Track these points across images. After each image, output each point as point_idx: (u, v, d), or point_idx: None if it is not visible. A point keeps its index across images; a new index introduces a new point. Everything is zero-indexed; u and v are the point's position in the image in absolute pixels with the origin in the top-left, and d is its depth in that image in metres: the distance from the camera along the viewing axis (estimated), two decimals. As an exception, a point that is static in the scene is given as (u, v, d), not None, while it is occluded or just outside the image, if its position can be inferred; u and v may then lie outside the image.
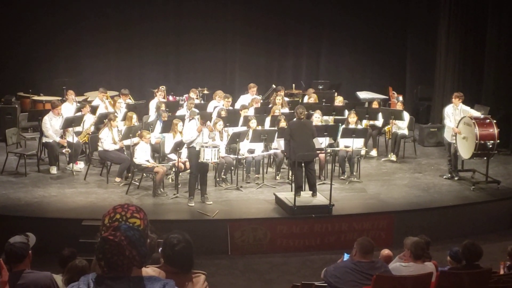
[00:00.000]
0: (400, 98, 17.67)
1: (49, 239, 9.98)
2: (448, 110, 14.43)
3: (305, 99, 17.25)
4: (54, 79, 18.85)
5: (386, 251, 8.58)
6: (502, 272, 8.61)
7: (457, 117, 14.14)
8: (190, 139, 12.44)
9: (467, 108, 14.46)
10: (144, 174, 13.40)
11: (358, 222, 12.39)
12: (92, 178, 14.00)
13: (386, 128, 16.09)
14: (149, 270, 4.43)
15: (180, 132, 13.33)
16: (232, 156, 13.83)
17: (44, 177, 13.95)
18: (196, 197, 12.63)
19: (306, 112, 13.06)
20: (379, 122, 16.19)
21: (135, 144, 13.49)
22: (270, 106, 15.94)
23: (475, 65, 17.71)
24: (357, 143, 14.24)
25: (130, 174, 13.66)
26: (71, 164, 14.30)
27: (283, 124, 13.97)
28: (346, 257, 7.75)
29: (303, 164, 12.59)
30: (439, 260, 8.74)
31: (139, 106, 16.17)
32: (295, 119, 12.84)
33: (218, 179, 13.76)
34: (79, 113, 14.85)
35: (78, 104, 15.49)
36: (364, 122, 15.75)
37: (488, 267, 7.53)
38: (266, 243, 12.07)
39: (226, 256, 11.81)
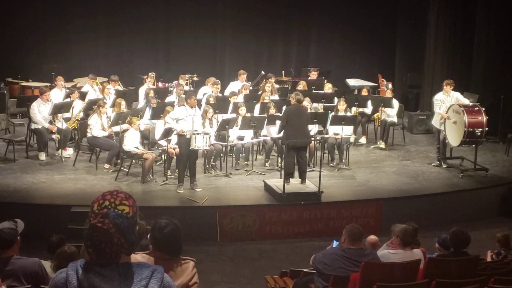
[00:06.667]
0: (390, 85, 17.69)
1: (37, 225, 10.00)
2: (439, 97, 14.46)
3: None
4: (43, 65, 18.74)
5: (372, 237, 8.61)
6: (489, 259, 8.67)
7: (449, 104, 14.18)
8: (171, 125, 12.46)
9: (459, 95, 14.49)
10: (133, 160, 13.39)
11: (347, 209, 12.44)
12: (81, 164, 13.98)
13: (375, 116, 16.11)
14: (138, 257, 4.44)
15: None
16: (222, 143, 13.81)
17: (33, 163, 13.92)
18: (185, 184, 12.63)
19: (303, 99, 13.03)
20: (369, 109, 16.21)
21: (125, 131, 13.46)
22: (259, 93, 15.93)
23: (464, 53, 17.74)
24: (346, 131, 14.26)
25: (119, 161, 13.63)
26: (60, 150, 14.26)
27: (272, 111, 13.97)
28: (335, 244, 7.79)
29: (295, 151, 12.57)
30: (427, 247, 8.79)
31: (128, 93, 16.12)
32: (292, 104, 12.78)
33: (207, 166, 13.76)
34: (68, 99, 14.80)
35: (67, 90, 15.43)
36: (354, 109, 15.78)
37: (476, 254, 7.58)
38: (255, 230, 12.10)
39: (215, 243, 11.84)
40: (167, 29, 20.55)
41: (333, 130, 14.42)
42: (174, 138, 13.00)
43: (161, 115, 13.63)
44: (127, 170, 13.42)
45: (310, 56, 21.40)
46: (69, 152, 14.52)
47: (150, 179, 13.07)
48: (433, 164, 14.67)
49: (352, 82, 19.50)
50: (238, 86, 16.30)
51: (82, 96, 15.29)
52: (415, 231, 8.04)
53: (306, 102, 14.40)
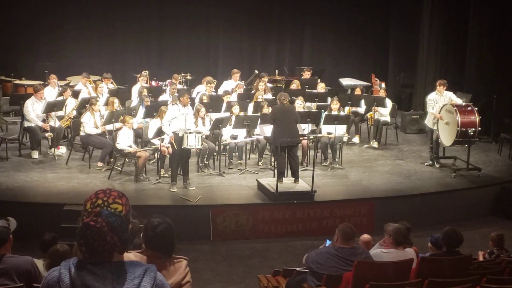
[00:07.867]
0: (383, 85, 17.72)
1: (30, 223, 9.99)
2: (432, 97, 14.47)
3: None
4: (36, 63, 18.71)
5: (365, 236, 8.63)
6: (481, 258, 8.69)
7: (442, 103, 14.19)
8: (165, 130, 12.47)
9: (452, 95, 14.51)
10: (126, 159, 13.37)
11: (340, 208, 12.45)
12: (74, 163, 13.94)
13: (368, 115, 16.12)
14: (130, 255, 4.44)
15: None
16: (212, 142, 13.80)
17: (26, 162, 13.88)
18: (179, 183, 12.63)
19: (289, 98, 13.07)
20: (362, 108, 16.23)
21: (118, 129, 13.43)
22: (253, 92, 15.94)
23: (457, 53, 17.79)
24: (339, 130, 14.26)
25: (112, 159, 13.61)
26: (53, 148, 14.22)
27: (266, 110, 13.97)
28: (328, 243, 7.80)
29: (285, 150, 12.60)
30: (419, 246, 8.81)
31: (122, 91, 16.10)
32: (278, 104, 12.82)
33: (200, 165, 13.75)
34: (61, 98, 14.76)
35: (60, 89, 15.41)
36: (347, 108, 15.78)
37: (468, 254, 7.60)
38: (248, 229, 12.10)
39: (208, 242, 11.84)
40: (160, 28, 20.54)
41: (326, 129, 14.42)
42: (167, 137, 12.99)
43: (155, 114, 13.61)
44: (120, 169, 13.40)
45: (303, 55, 21.43)
46: (62, 150, 14.49)
47: (143, 178, 13.05)
48: (426, 164, 14.69)
49: (345, 81, 19.51)
50: (232, 85, 16.29)
51: (75, 94, 15.26)
52: (407, 231, 8.06)
53: (299, 101, 14.41)
